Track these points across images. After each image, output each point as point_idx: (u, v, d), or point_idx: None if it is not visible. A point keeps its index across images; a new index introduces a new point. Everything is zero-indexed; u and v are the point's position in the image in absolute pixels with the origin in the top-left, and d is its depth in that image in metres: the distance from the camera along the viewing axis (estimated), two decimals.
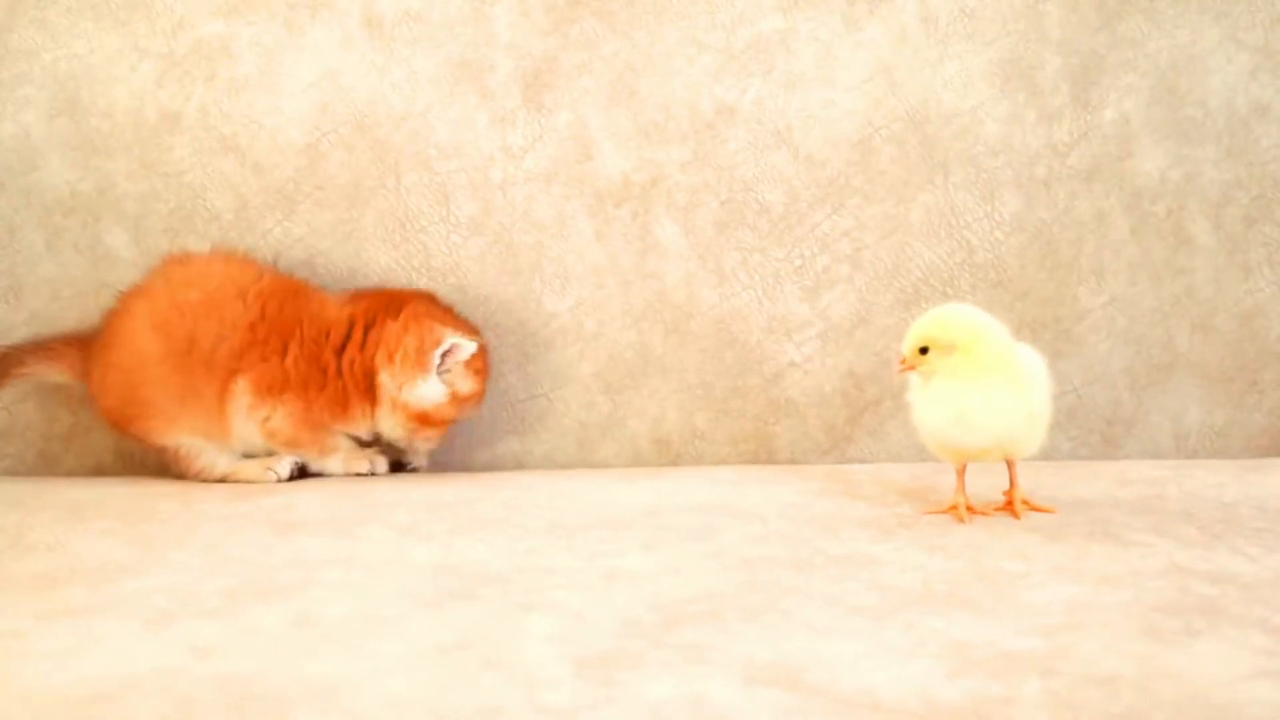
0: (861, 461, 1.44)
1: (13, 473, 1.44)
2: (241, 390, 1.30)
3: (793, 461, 1.45)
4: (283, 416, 1.30)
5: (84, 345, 1.35)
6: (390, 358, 1.30)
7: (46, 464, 1.44)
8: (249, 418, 1.31)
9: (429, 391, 1.30)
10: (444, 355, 1.30)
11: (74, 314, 1.42)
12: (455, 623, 0.85)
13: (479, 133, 1.43)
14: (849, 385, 1.44)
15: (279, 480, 1.32)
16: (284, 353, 1.31)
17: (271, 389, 1.30)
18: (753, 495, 1.22)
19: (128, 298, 1.34)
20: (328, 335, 1.32)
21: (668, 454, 1.45)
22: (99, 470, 1.44)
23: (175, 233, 1.42)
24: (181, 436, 1.33)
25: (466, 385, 1.32)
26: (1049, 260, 1.42)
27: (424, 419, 1.32)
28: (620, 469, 1.42)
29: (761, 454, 1.45)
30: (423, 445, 1.36)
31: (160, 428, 1.32)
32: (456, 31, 1.42)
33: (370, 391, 1.32)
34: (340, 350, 1.32)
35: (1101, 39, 1.40)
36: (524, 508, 1.17)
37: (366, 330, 1.32)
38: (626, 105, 1.43)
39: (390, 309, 1.32)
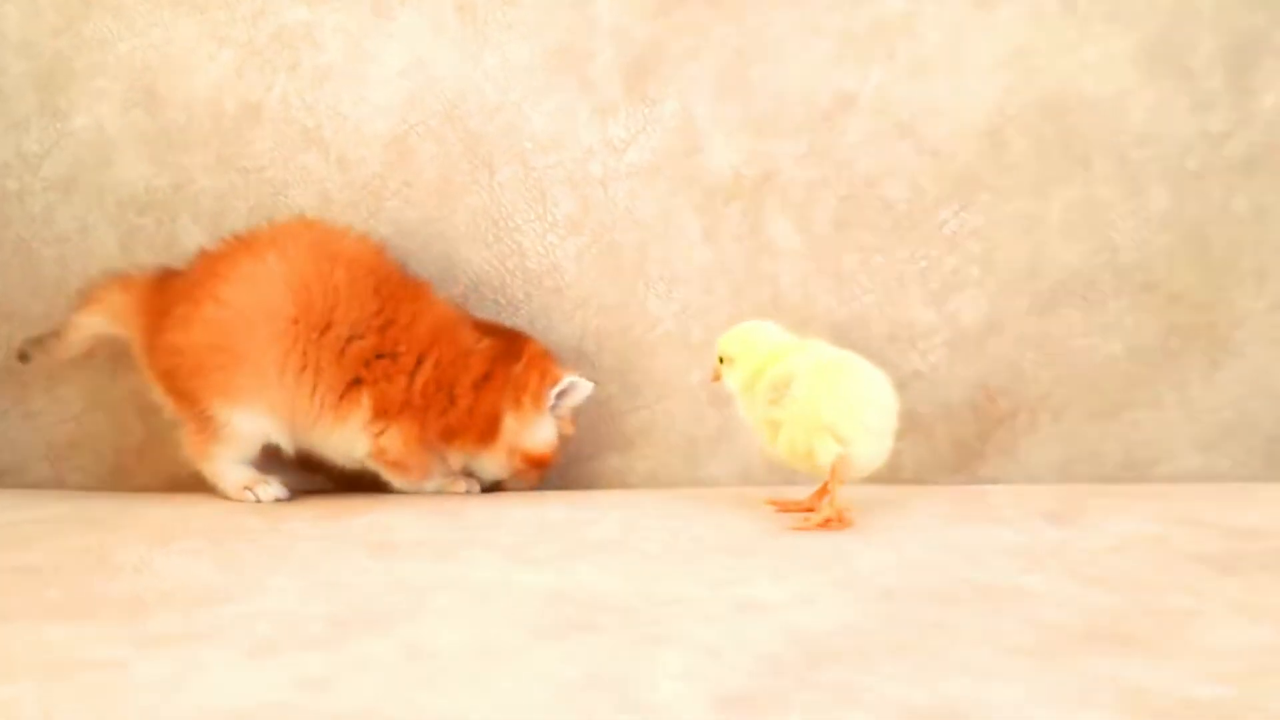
0: (994, 481, 1.42)
1: (83, 487, 1.47)
2: (365, 404, 1.32)
3: (918, 481, 1.43)
4: (394, 435, 1.32)
5: (129, 285, 1.36)
6: (518, 402, 1.34)
7: (118, 478, 1.47)
8: (364, 431, 1.32)
9: (544, 433, 1.34)
10: (559, 395, 1.34)
11: None
12: (580, 656, 0.85)
13: (578, 124, 1.43)
14: (979, 398, 1.42)
15: (256, 501, 1.32)
16: (414, 371, 1.32)
17: (390, 410, 1.32)
18: (880, 518, 1.21)
19: (249, 244, 1.31)
20: (468, 366, 1.34)
21: (782, 471, 1.44)
22: (173, 485, 1.46)
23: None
24: (249, 411, 1.30)
25: (567, 427, 1.37)
26: (1202, 261, 1.40)
27: (535, 461, 1.35)
28: (731, 487, 1.42)
29: (883, 472, 1.43)
30: (514, 486, 1.38)
31: (234, 392, 1.29)
32: (554, 16, 1.43)
33: (488, 431, 1.34)
34: (479, 386, 1.34)
35: (1261, 17, 1.37)
36: (637, 529, 1.17)
37: (498, 369, 1.34)
38: (737, 94, 1.42)
39: (512, 350, 1.35)
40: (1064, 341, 1.41)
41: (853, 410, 1.18)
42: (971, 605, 0.95)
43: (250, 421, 1.31)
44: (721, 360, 1.27)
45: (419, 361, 1.32)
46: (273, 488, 1.33)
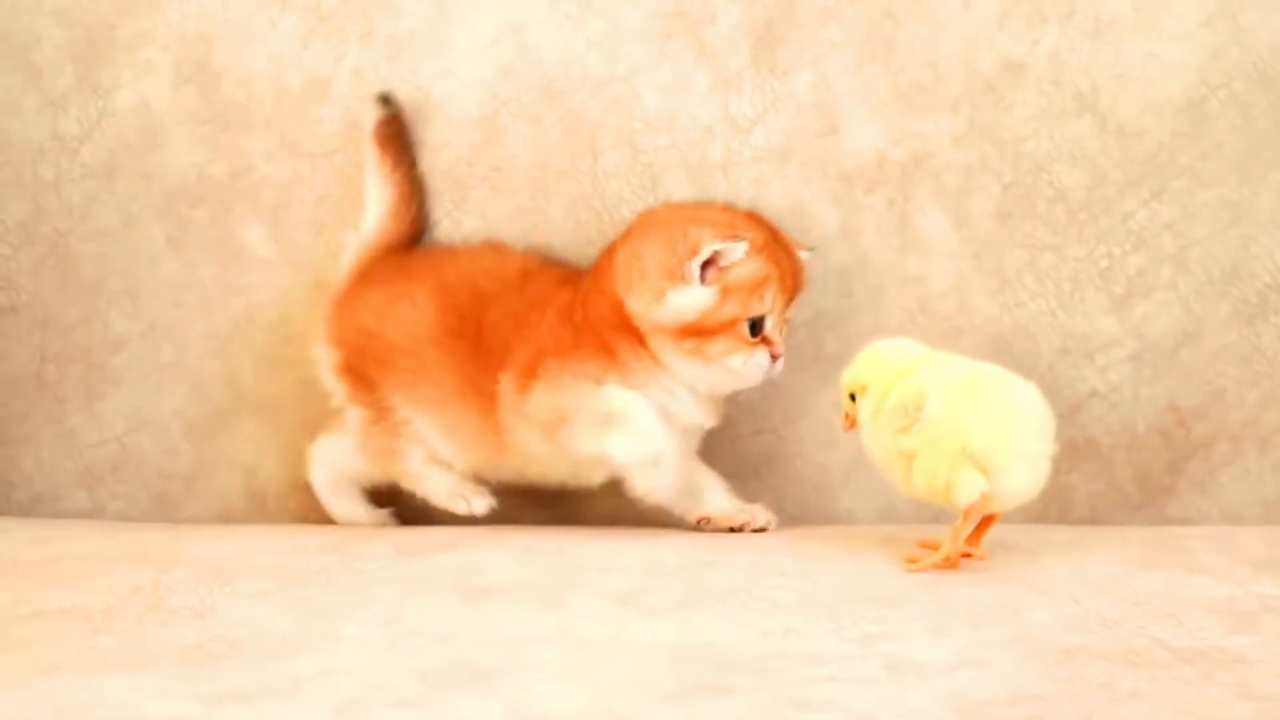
0: (1187, 521, 1.41)
1: (125, 516, 1.52)
2: (506, 387, 1.35)
3: (1094, 521, 1.43)
4: (542, 389, 1.33)
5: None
6: (629, 280, 1.32)
7: (164, 507, 1.52)
8: (519, 414, 1.34)
9: (687, 299, 1.31)
10: (704, 265, 1.30)
11: (200, 324, 1.50)
12: None
13: (696, 100, 1.45)
14: (1170, 422, 1.42)
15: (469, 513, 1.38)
16: (539, 325, 1.35)
17: (528, 369, 1.34)
18: (1052, 564, 1.21)
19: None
20: (577, 292, 1.36)
21: (929, 507, 1.45)
22: (226, 515, 1.51)
23: (322, 226, 1.49)
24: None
25: (744, 272, 1.31)
26: None
27: (693, 330, 1.31)
28: (869, 525, 1.43)
29: (1052, 510, 1.43)
30: (713, 380, 1.34)
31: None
32: None
33: (631, 328, 1.33)
34: (586, 296, 1.35)
35: None
36: (767, 573, 1.19)
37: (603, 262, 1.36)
38: (883, 63, 1.44)
39: (622, 236, 1.37)
40: (1274, 356, 1.40)
41: (1004, 432, 1.19)
42: (1170, 671, 0.95)
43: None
44: (853, 397, 1.27)
45: (542, 314, 1.36)
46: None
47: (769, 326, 1.32)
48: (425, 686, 0.94)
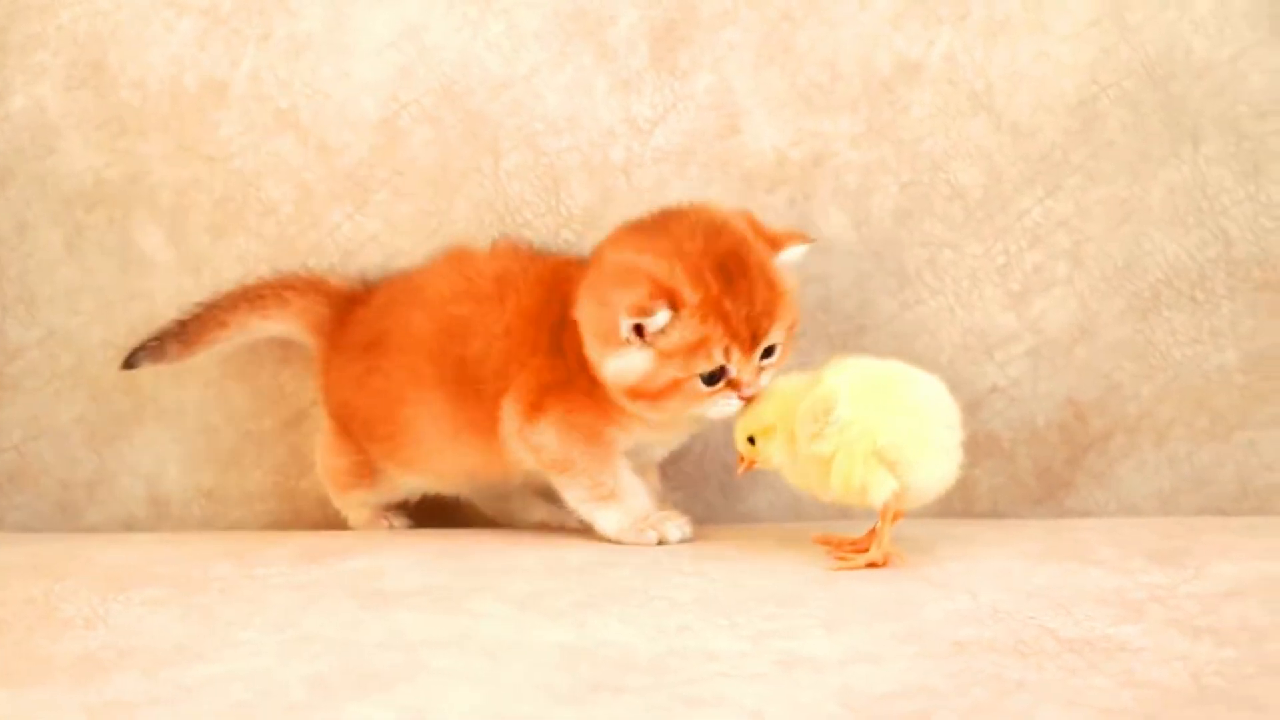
0: (1086, 514, 1.44)
1: (26, 527, 1.50)
2: (507, 415, 1.32)
3: (996, 514, 1.45)
4: (546, 426, 1.30)
5: (331, 294, 1.43)
6: (586, 316, 1.28)
7: (65, 517, 1.50)
8: (522, 445, 1.32)
9: (622, 364, 1.25)
10: (636, 329, 1.24)
11: (99, 330, 1.48)
12: None
13: (596, 101, 1.46)
14: (1068, 416, 1.44)
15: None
16: (543, 349, 1.31)
17: (535, 403, 1.30)
18: (951, 558, 1.23)
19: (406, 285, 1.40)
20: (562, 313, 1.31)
21: (833, 506, 1.46)
22: (130, 524, 1.50)
23: (221, 230, 1.48)
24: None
25: (676, 336, 1.24)
26: None
27: (638, 393, 1.26)
28: (777, 525, 1.44)
29: (956, 504, 1.45)
30: (681, 423, 1.31)
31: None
32: None
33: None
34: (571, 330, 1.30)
35: None
36: (666, 574, 1.19)
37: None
38: (782, 64, 1.45)
39: (610, 237, 1.31)
40: (1168, 350, 1.43)
41: (914, 427, 1.20)
42: (1058, 661, 0.97)
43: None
44: (751, 440, 1.26)
45: (550, 334, 1.32)
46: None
47: (734, 372, 1.25)
48: (318, 692, 0.93)
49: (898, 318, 1.45)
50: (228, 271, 1.46)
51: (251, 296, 1.44)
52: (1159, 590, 1.12)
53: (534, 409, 1.31)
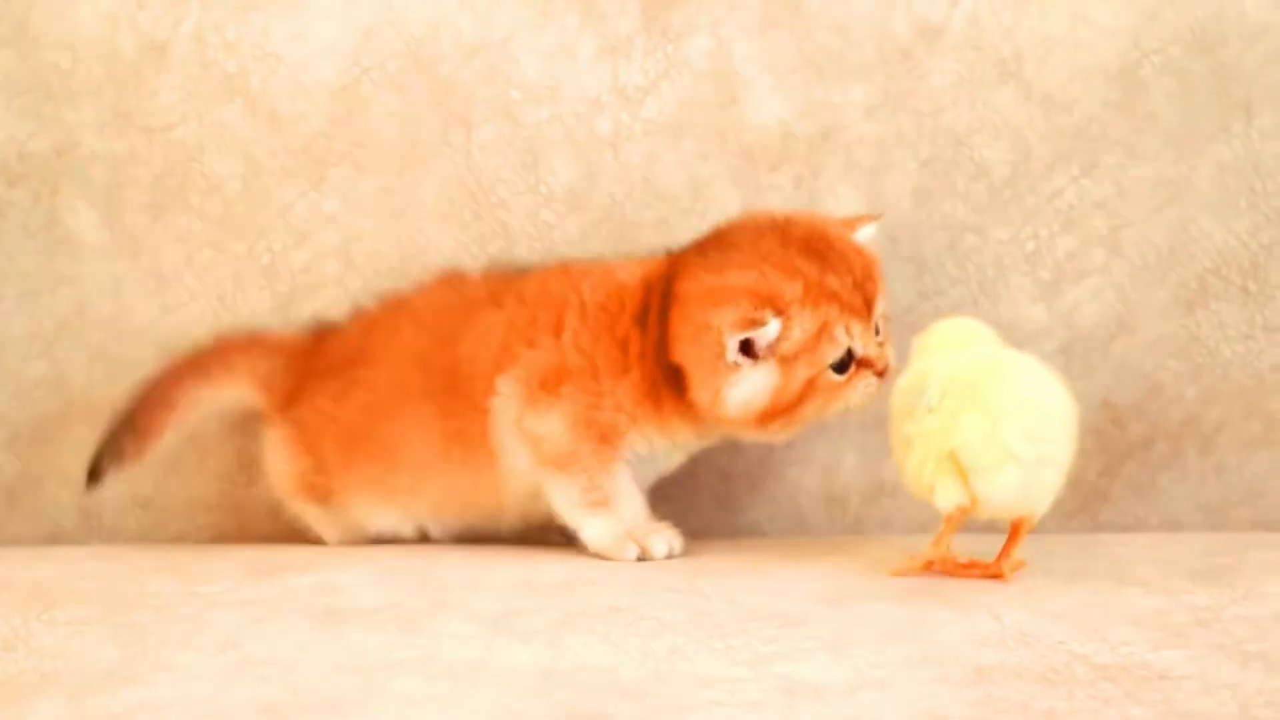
0: (1123, 529, 1.44)
1: None
2: (504, 400, 1.33)
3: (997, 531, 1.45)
4: (558, 419, 1.31)
5: (276, 348, 1.45)
6: (685, 374, 1.29)
7: None
8: (519, 436, 1.33)
9: (746, 388, 1.28)
10: (744, 346, 1.26)
11: (22, 321, 1.48)
12: None
13: (581, 68, 1.46)
14: (1104, 421, 1.44)
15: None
16: (558, 329, 1.33)
17: (546, 383, 1.32)
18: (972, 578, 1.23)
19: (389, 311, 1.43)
20: (621, 303, 1.32)
21: (844, 516, 1.47)
22: (56, 536, 1.50)
23: (160, 208, 1.48)
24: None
25: (797, 334, 1.26)
26: None
27: (772, 413, 1.28)
28: (779, 539, 1.44)
29: (976, 518, 1.45)
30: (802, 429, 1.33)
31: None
32: None
33: (680, 384, 1.30)
34: (642, 319, 1.32)
35: None
36: (655, 591, 1.19)
37: (664, 297, 1.31)
38: (788, 27, 1.45)
39: (670, 278, 1.31)
40: (1216, 347, 1.43)
41: (989, 432, 1.19)
42: (1091, 690, 0.97)
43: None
44: None
45: (559, 317, 1.34)
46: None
47: (860, 350, 1.28)
48: (263, 719, 0.93)
49: (915, 309, 1.45)
50: (168, 254, 1.47)
51: (194, 365, 1.45)
52: (1204, 613, 1.12)
53: (544, 389, 1.32)
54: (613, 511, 1.33)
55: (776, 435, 1.31)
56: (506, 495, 1.37)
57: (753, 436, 1.32)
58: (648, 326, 1.32)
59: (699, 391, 1.28)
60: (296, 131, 1.47)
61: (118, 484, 1.47)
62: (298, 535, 1.46)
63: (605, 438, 1.32)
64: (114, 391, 1.47)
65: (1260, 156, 1.42)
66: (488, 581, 1.23)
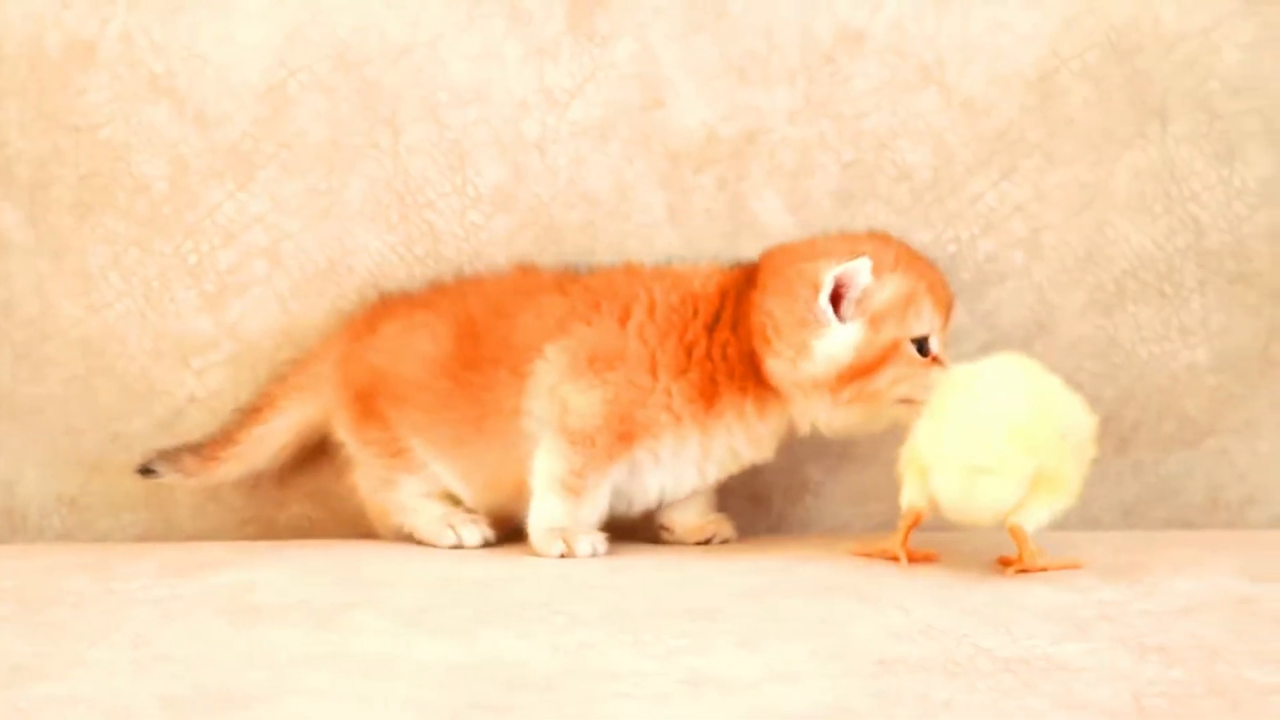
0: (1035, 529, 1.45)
1: None
2: (548, 365, 1.35)
3: (941, 527, 1.46)
4: (597, 399, 1.33)
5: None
6: (764, 340, 1.32)
7: None
8: (551, 397, 1.34)
9: (835, 342, 1.30)
10: (835, 297, 1.29)
11: None
12: None
13: (507, 71, 1.46)
14: None
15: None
16: (624, 318, 1.35)
17: (596, 361, 1.34)
18: (886, 572, 1.24)
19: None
20: (695, 310, 1.35)
21: (767, 516, 1.47)
22: None
23: (86, 208, 1.47)
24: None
25: (888, 291, 1.31)
26: None
27: (854, 373, 1.30)
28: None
29: (897, 516, 1.46)
30: (870, 421, 1.35)
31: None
32: None
33: (753, 382, 1.33)
34: (712, 326, 1.35)
35: None
36: (574, 587, 1.20)
37: (737, 305, 1.35)
38: (712, 31, 1.46)
39: (750, 276, 1.35)
40: (1133, 348, 1.45)
41: (940, 437, 1.23)
42: (991, 681, 0.98)
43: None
44: None
45: (627, 306, 1.37)
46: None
47: (935, 346, 1.32)
48: (169, 714, 0.93)
49: None
50: (94, 254, 1.46)
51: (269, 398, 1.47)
52: (1109, 607, 1.13)
53: (592, 367, 1.33)
54: (578, 505, 1.34)
55: (843, 410, 1.31)
56: (520, 487, 1.37)
57: (820, 411, 1.32)
58: (717, 330, 1.35)
59: (783, 349, 1.31)
60: (224, 132, 1.47)
61: (42, 484, 1.47)
62: (223, 534, 1.46)
63: (628, 436, 1.34)
64: (39, 391, 1.47)
65: (1175, 162, 1.44)
66: (407, 578, 1.24)
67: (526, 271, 1.44)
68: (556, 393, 1.34)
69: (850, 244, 1.34)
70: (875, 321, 1.30)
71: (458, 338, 1.39)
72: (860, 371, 1.30)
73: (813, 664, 1.02)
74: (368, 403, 1.42)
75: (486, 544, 1.38)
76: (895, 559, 1.26)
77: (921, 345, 1.31)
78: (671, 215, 1.47)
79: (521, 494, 1.37)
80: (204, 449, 1.44)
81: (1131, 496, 1.45)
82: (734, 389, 1.34)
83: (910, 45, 1.45)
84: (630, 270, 1.40)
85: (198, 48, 1.47)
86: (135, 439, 1.47)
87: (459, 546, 1.38)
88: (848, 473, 1.47)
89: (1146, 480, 1.45)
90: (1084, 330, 1.45)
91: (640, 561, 1.30)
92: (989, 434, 1.22)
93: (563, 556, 1.32)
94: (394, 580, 1.23)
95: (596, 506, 1.35)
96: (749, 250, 1.45)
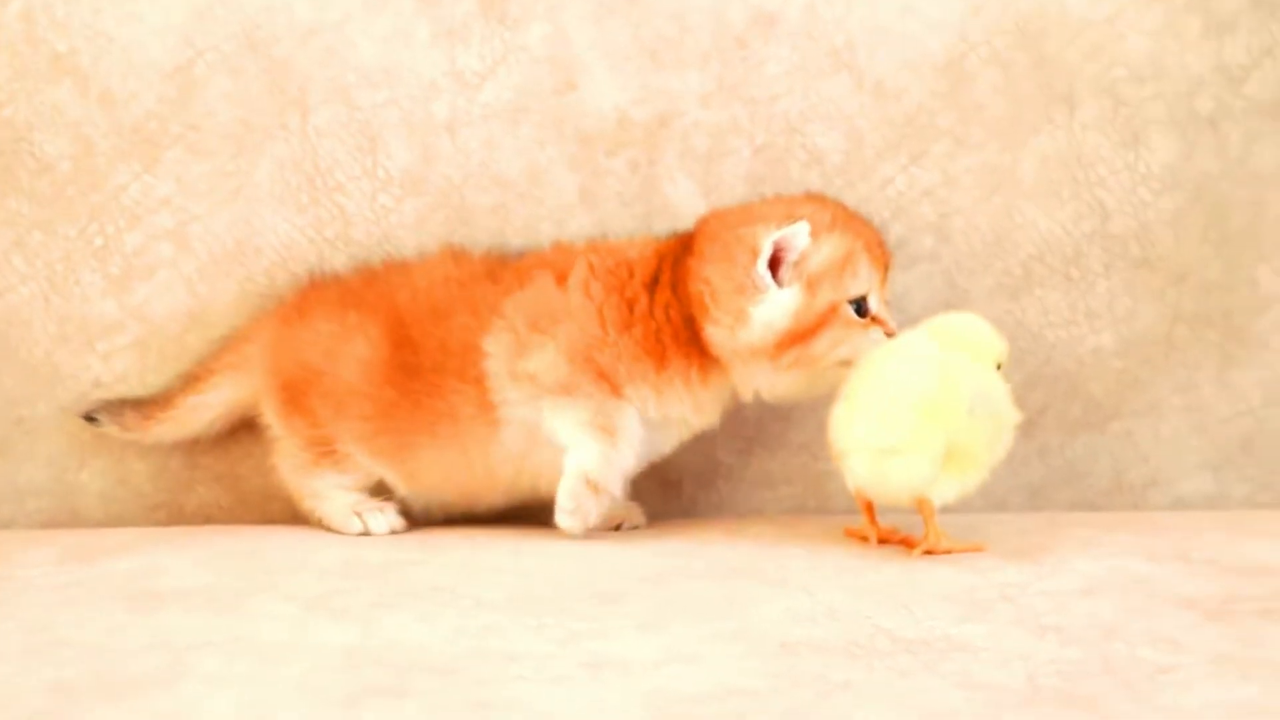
0: (942, 510, 1.45)
1: None
2: (495, 360, 1.34)
3: (851, 511, 1.47)
4: (552, 351, 1.32)
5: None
6: (703, 308, 1.31)
7: None
8: (517, 380, 1.33)
9: (772, 308, 1.30)
10: (773, 261, 1.29)
11: None
12: None
13: (417, 52, 1.46)
14: None
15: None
16: (560, 280, 1.34)
17: (537, 323, 1.33)
18: (795, 557, 1.25)
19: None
20: (631, 272, 1.34)
21: (678, 500, 1.48)
22: None
23: None
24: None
25: (825, 253, 1.30)
26: (1216, 230, 1.45)
27: (791, 338, 1.30)
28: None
29: (810, 500, 1.47)
30: (812, 385, 1.33)
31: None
32: None
33: (696, 348, 1.32)
34: (651, 286, 1.34)
35: None
36: (479, 571, 1.20)
37: (674, 270, 1.34)
38: (625, 14, 1.45)
39: (686, 243, 1.35)
40: (1040, 332, 1.46)
41: (845, 418, 1.25)
42: (890, 662, 0.99)
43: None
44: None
45: (562, 272, 1.36)
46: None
47: (874, 305, 1.32)
48: (60, 699, 0.93)
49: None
50: None
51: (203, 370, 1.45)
52: (1010, 589, 1.14)
53: (534, 329, 1.33)
54: (615, 446, 1.32)
55: (785, 375, 1.31)
56: (498, 472, 1.36)
57: (761, 378, 1.32)
58: (657, 290, 1.34)
59: (721, 317, 1.30)
60: (129, 112, 1.45)
61: None
62: (131, 520, 1.45)
63: (604, 375, 1.32)
64: None
65: (1082, 148, 1.45)
66: (311, 563, 1.23)
67: (456, 257, 1.42)
68: (518, 372, 1.33)
69: (787, 207, 1.34)
70: (812, 284, 1.30)
71: (394, 343, 1.37)
72: (799, 336, 1.30)
73: (714, 646, 1.02)
74: (296, 394, 1.40)
75: (393, 533, 1.37)
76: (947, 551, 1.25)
77: (860, 305, 1.31)
78: (584, 198, 1.46)
79: (482, 488, 1.37)
80: (144, 406, 1.43)
81: (1038, 479, 1.46)
82: (680, 353, 1.33)
83: (822, 29, 1.45)
84: (561, 247, 1.40)
85: (102, 26, 1.45)
86: (40, 424, 1.45)
87: (366, 534, 1.37)
88: (759, 457, 1.48)
89: (1053, 463, 1.46)
90: (992, 314, 1.44)
91: (547, 546, 1.30)
92: (895, 414, 1.23)
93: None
94: (298, 565, 1.23)
95: (631, 447, 1.33)
96: (662, 233, 1.45)
